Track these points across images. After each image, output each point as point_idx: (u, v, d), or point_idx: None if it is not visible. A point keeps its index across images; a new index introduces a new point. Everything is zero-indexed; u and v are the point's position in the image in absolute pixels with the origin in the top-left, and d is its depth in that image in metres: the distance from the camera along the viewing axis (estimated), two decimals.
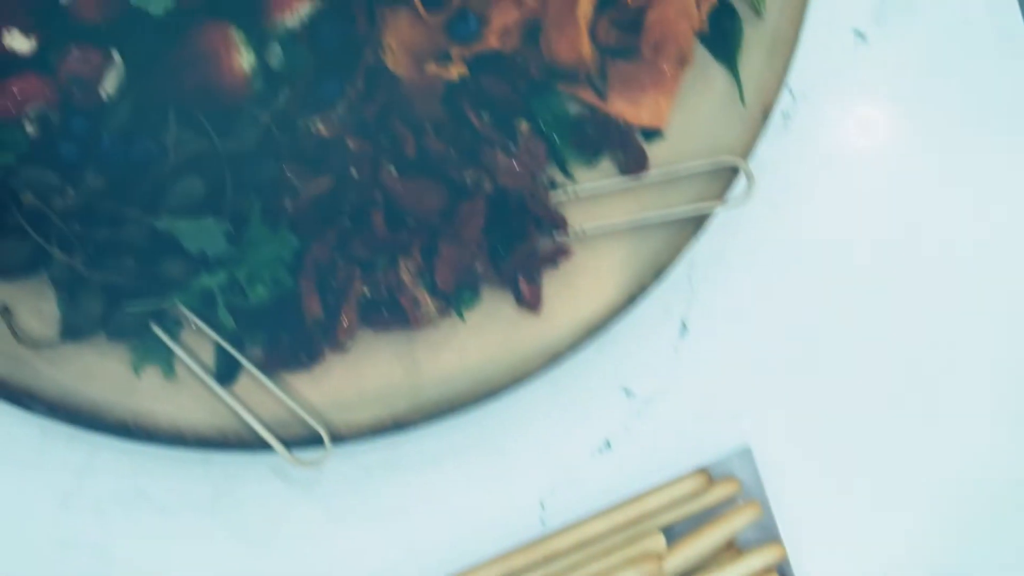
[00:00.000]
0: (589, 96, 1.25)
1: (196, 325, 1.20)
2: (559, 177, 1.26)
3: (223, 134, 1.15)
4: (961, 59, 1.35)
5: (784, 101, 1.32)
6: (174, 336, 1.21)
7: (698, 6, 1.22)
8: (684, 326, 1.32)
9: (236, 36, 1.14)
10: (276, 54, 1.16)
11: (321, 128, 1.18)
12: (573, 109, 1.26)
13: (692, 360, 1.32)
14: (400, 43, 1.19)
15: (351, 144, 1.18)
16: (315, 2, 1.16)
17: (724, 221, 1.29)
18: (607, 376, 1.31)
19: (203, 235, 1.14)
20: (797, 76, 1.31)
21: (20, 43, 1.12)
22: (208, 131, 1.15)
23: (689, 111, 1.27)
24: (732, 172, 1.26)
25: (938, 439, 1.32)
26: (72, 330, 1.18)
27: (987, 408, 1.33)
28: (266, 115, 1.16)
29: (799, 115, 1.33)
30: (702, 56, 1.27)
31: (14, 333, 1.19)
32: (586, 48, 1.20)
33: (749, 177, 1.26)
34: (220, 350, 1.21)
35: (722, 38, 1.27)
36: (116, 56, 1.15)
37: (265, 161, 1.17)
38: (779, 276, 1.33)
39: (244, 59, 1.13)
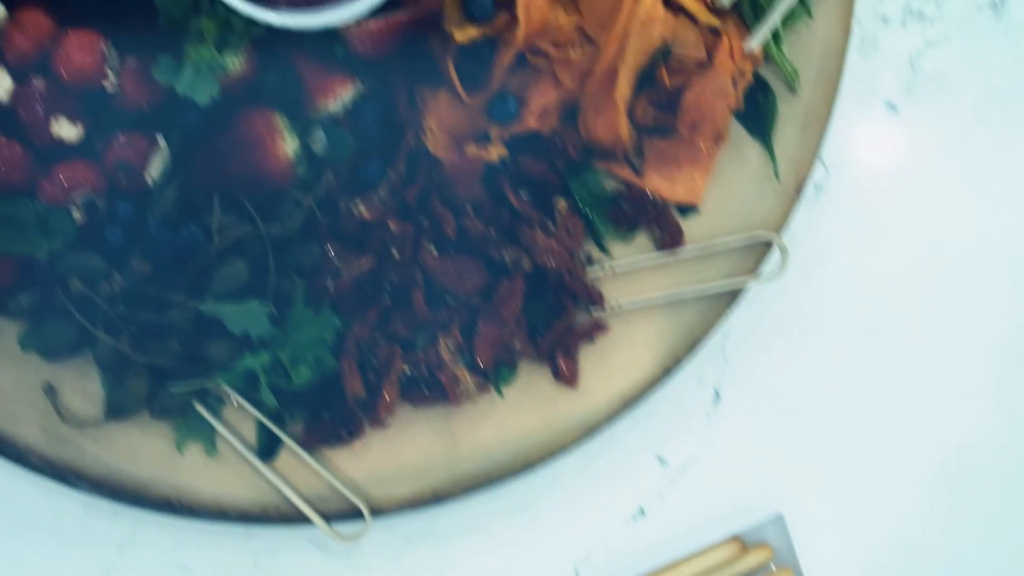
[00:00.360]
0: (626, 173, 1.26)
1: (238, 403, 1.22)
2: (596, 253, 1.27)
3: (267, 218, 1.17)
4: (991, 129, 1.36)
5: (817, 173, 1.33)
6: (216, 413, 1.22)
7: (735, 85, 1.23)
8: (717, 394, 1.34)
9: (280, 122, 1.15)
10: (319, 139, 1.17)
11: (363, 210, 1.19)
12: (610, 186, 1.27)
13: (725, 428, 1.34)
14: (440, 125, 1.20)
15: (392, 226, 1.19)
16: (357, 86, 1.17)
17: (757, 291, 1.30)
18: (641, 444, 1.32)
19: (247, 318, 1.15)
20: (829, 148, 1.33)
21: (67, 131, 1.13)
22: (253, 216, 1.16)
23: (724, 186, 1.28)
24: (766, 246, 1.28)
25: (972, 509, 1.34)
26: (117, 410, 1.19)
27: (1021, 475, 1.34)
28: (309, 199, 1.17)
29: (831, 186, 1.35)
30: (737, 132, 1.28)
31: (59, 413, 1.20)
32: (624, 128, 1.22)
33: (783, 252, 1.27)
34: (262, 427, 1.22)
35: (757, 114, 1.28)
36: (161, 142, 1.16)
37: (308, 244, 1.18)
38: (811, 344, 1.34)
39: (288, 145, 1.15)
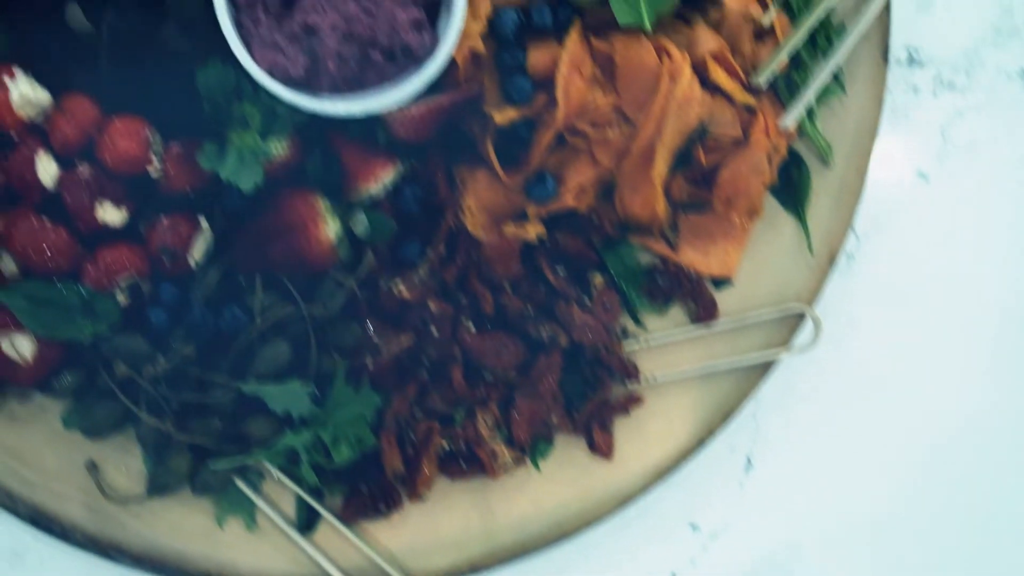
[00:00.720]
0: (661, 247, 1.27)
1: (278, 478, 1.23)
2: (631, 326, 1.28)
3: (308, 299, 1.18)
4: (1022, 196, 1.37)
5: (848, 242, 1.34)
6: (256, 488, 1.23)
7: (770, 161, 1.24)
8: (749, 462, 1.35)
9: (322, 205, 1.16)
10: (360, 221, 1.18)
11: (403, 290, 1.20)
12: (644, 260, 1.28)
13: (757, 495, 1.35)
14: (479, 204, 1.21)
15: (432, 305, 1.20)
16: (397, 169, 1.18)
17: (789, 358, 1.31)
18: (674, 511, 1.33)
19: (289, 398, 1.16)
20: (861, 217, 1.34)
21: (112, 215, 1.14)
22: (295, 297, 1.17)
23: (758, 259, 1.29)
24: (799, 317, 1.29)
25: None
26: (158, 487, 1.20)
27: None
28: (351, 280, 1.18)
29: (863, 255, 1.36)
30: (771, 205, 1.29)
31: (101, 490, 1.21)
32: (661, 206, 1.23)
33: (817, 324, 1.28)
34: (301, 501, 1.23)
35: (791, 188, 1.29)
36: (204, 224, 1.17)
37: (349, 323, 1.19)
38: (842, 411, 1.35)
39: (330, 228, 1.15)
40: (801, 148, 1.29)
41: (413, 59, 1.13)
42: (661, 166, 1.21)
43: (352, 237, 1.19)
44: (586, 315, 1.23)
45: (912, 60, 1.36)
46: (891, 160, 1.35)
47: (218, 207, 1.17)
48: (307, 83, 1.12)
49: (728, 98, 1.22)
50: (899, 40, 1.34)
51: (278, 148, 1.13)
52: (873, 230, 1.36)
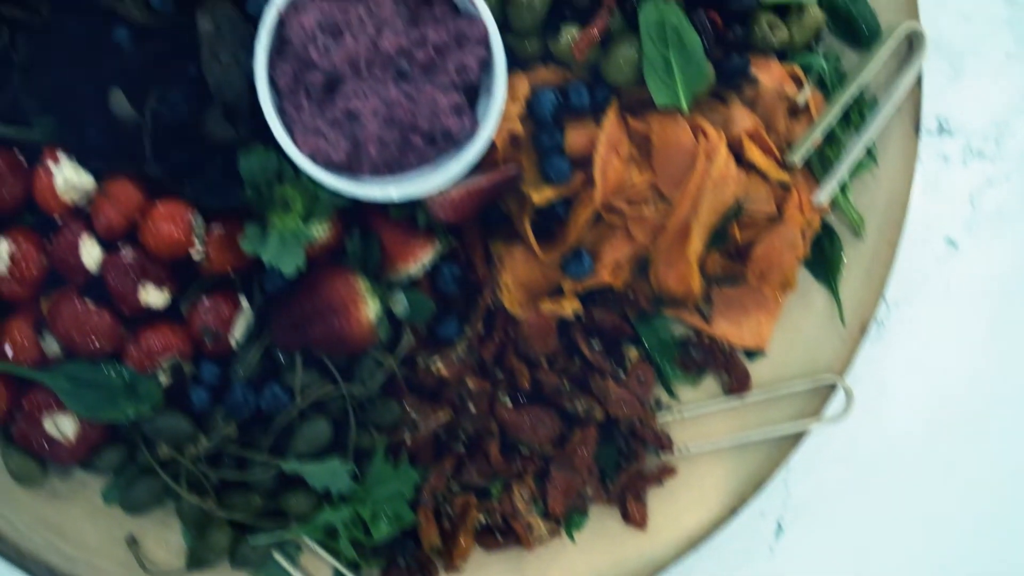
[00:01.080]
0: (695, 320, 1.28)
1: (316, 551, 1.24)
2: (665, 397, 1.29)
3: (348, 378, 1.19)
4: None
5: (878, 309, 1.35)
6: (294, 561, 1.24)
7: (803, 235, 1.25)
8: (780, 527, 1.36)
9: (362, 286, 1.16)
10: (400, 301, 1.19)
11: (441, 368, 1.21)
12: (678, 331, 1.29)
13: (787, 560, 1.36)
14: (516, 281, 1.22)
15: (469, 382, 1.21)
16: (436, 248, 1.19)
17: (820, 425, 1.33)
18: None
19: (329, 475, 1.17)
20: (891, 284, 1.34)
21: (155, 297, 1.15)
22: (335, 376, 1.18)
23: (790, 330, 1.30)
24: (831, 387, 1.30)
25: None
26: (198, 561, 1.21)
27: None
28: (390, 360, 1.19)
29: (893, 322, 1.37)
30: (802, 276, 1.30)
31: (141, 564, 1.22)
32: (696, 282, 1.23)
33: (848, 395, 1.29)
34: (339, 575, 1.24)
35: (822, 260, 1.30)
36: (244, 304, 1.17)
37: (388, 401, 1.20)
38: (873, 478, 1.36)
39: (369, 309, 1.16)
40: (833, 220, 1.30)
41: (453, 142, 1.14)
42: (697, 243, 1.22)
43: (392, 319, 1.19)
44: (621, 388, 1.24)
45: (942, 129, 1.37)
46: (921, 229, 1.36)
47: (259, 287, 1.17)
48: (348, 167, 1.13)
49: (763, 175, 1.23)
50: (929, 109, 1.35)
51: (320, 231, 1.14)
52: (903, 298, 1.37)
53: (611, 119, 1.20)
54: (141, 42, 1.13)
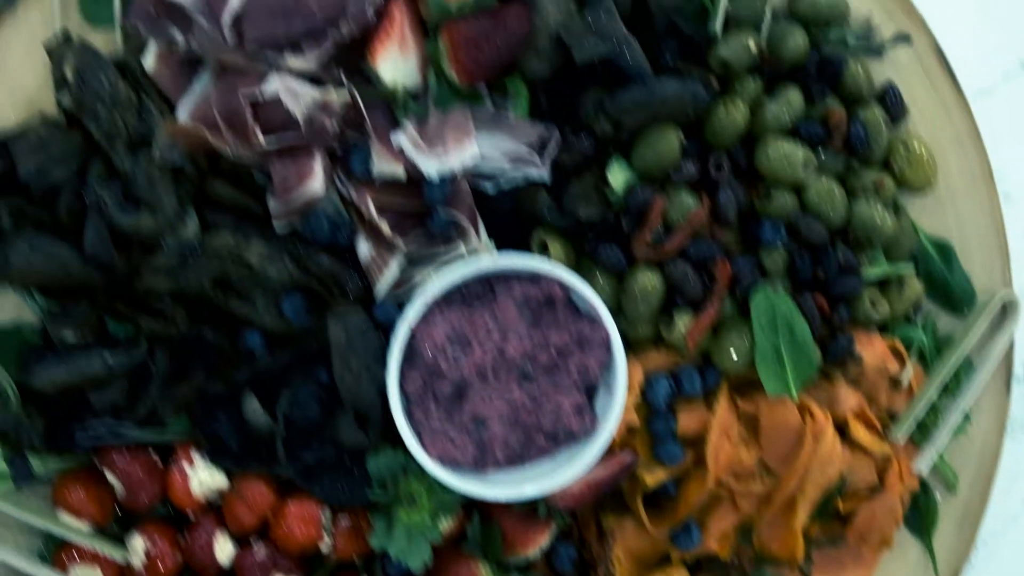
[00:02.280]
0: None
1: None
2: None
3: None
4: None
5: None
6: None
7: (902, 501, 1.29)
8: None
9: (482, 571, 1.20)
10: None
11: None
12: None
13: None
14: (627, 553, 1.26)
15: None
16: (552, 533, 1.23)
17: None
18: None
19: None
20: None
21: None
22: None
23: None
24: None
25: None
26: None
27: None
28: None
29: (980, 561, 1.40)
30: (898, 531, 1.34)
31: None
32: (800, 550, 1.27)
33: None
34: None
35: (917, 516, 1.34)
36: None
37: None
38: None
39: None
40: (928, 477, 1.33)
41: (574, 439, 1.17)
42: (802, 516, 1.26)
43: None
44: None
45: None
46: (1008, 473, 1.40)
47: (382, 570, 1.21)
48: (473, 467, 1.16)
49: (866, 450, 1.27)
50: (1019, 356, 1.38)
51: (445, 525, 1.18)
52: (991, 537, 1.40)
53: (723, 407, 1.23)
54: (273, 348, 1.16)
